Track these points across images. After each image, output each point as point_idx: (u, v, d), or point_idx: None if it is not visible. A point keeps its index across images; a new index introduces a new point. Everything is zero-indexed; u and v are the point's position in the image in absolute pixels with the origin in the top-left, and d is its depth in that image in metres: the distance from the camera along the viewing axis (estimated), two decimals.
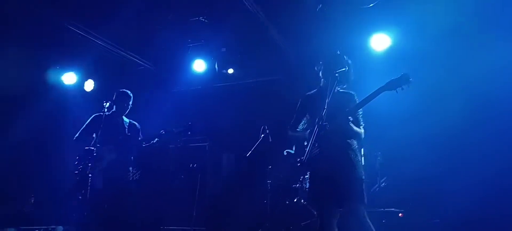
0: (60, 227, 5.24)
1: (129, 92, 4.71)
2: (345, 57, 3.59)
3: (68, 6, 5.41)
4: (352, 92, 3.55)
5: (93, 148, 4.12)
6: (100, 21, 5.80)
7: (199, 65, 6.78)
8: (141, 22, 5.97)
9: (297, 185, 5.66)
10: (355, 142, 3.46)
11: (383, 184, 5.51)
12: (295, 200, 5.47)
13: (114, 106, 4.51)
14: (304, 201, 5.41)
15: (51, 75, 6.64)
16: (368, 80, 3.77)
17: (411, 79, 3.10)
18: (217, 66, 6.84)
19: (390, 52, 5.85)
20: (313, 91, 3.77)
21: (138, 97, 7.08)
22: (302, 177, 5.60)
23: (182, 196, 6.83)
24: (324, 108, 3.14)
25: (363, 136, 3.47)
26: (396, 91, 3.14)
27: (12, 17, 5.34)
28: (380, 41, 5.78)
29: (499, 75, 5.32)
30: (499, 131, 5.37)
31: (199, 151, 7.15)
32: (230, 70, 6.96)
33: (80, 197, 3.98)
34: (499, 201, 5.16)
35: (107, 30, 6.06)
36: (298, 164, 3.50)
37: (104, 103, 4.42)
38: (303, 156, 3.24)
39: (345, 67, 3.54)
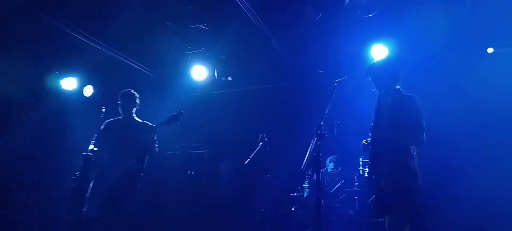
0: None
1: (132, 90, 4.62)
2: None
3: (67, 11, 5.43)
4: (411, 95, 3.38)
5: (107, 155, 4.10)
6: (100, 27, 5.81)
7: (198, 72, 6.80)
8: (141, 28, 5.99)
9: (295, 193, 5.68)
10: (408, 150, 3.27)
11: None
12: (292, 209, 5.48)
13: (120, 109, 4.46)
14: (301, 210, 5.42)
15: (50, 81, 6.63)
16: (366, 91, 3.80)
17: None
18: (216, 73, 6.86)
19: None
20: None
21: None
22: (299, 186, 5.63)
23: (179, 203, 6.82)
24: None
25: (423, 142, 3.28)
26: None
27: (11, 22, 5.34)
28: (378, 51, 5.82)
29: (495, 83, 5.38)
30: (496, 138, 5.44)
31: (197, 158, 7.16)
32: (229, 78, 6.99)
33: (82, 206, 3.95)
34: (496, 206, 5.18)
35: (107, 36, 6.07)
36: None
37: (102, 109, 4.39)
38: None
39: (344, 76, 3.58)
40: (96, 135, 4.28)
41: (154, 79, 7.43)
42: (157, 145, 4.50)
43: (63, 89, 6.68)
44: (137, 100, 4.63)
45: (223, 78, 6.97)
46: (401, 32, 5.61)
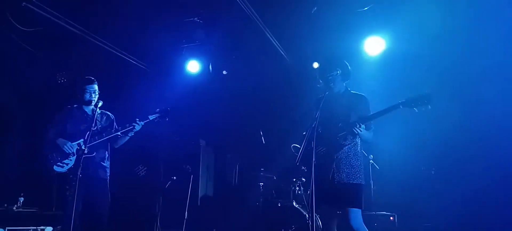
0: (49, 228, 5.17)
1: (91, 77, 4.37)
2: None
3: (62, 5, 5.38)
4: (363, 95, 3.58)
5: (83, 148, 3.98)
6: (95, 21, 5.77)
7: (193, 66, 6.75)
8: (136, 22, 5.94)
9: (290, 187, 5.68)
10: (358, 146, 3.51)
11: (372, 187, 5.50)
12: (287, 203, 5.47)
13: (80, 97, 4.28)
14: (296, 204, 5.41)
15: (45, 74, 6.57)
16: (362, 83, 3.78)
17: (431, 103, 3.05)
18: (211, 67, 6.82)
19: (384, 55, 5.86)
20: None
21: (132, 97, 7.08)
22: (294, 179, 5.62)
23: (175, 197, 6.80)
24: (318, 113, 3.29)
25: (371, 139, 3.52)
26: (415, 110, 3.12)
27: (5, 13, 5.28)
28: (374, 44, 5.79)
29: (492, 78, 5.34)
30: (492, 134, 5.40)
31: (193, 152, 7.13)
32: (224, 72, 6.95)
33: (67, 193, 3.90)
34: (490, 204, 5.18)
35: (102, 30, 6.02)
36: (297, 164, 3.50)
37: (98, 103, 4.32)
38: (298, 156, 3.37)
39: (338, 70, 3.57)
40: (53, 122, 4.25)
41: (149, 73, 7.38)
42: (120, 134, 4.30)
43: (58, 82, 6.63)
44: (95, 87, 4.35)
45: (219, 73, 6.93)
46: (396, 25, 5.57)
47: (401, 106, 3.16)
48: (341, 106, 3.49)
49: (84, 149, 3.89)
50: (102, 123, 4.42)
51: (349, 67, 3.62)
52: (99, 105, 4.21)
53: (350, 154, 3.43)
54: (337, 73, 3.54)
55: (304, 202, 5.40)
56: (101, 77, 5.05)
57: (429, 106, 3.06)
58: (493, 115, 5.36)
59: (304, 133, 3.45)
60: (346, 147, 3.43)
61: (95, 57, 6.51)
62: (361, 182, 3.43)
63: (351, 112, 3.41)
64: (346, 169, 3.39)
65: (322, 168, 3.36)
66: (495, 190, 5.18)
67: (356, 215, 3.33)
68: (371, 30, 5.78)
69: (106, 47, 6.29)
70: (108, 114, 4.54)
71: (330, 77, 3.52)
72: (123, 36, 6.24)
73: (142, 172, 5.02)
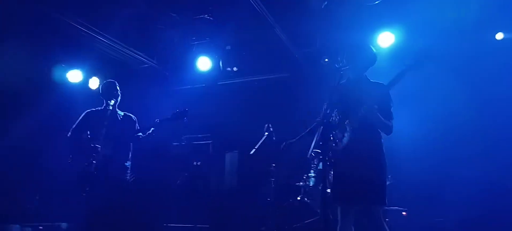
0: (64, 224, 5.26)
1: (113, 80, 4.59)
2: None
3: (72, 3, 5.43)
4: (381, 83, 3.29)
5: (92, 145, 4.06)
6: (105, 19, 5.81)
7: (203, 63, 6.78)
8: (146, 19, 5.98)
9: (301, 183, 5.67)
10: (381, 138, 3.26)
11: (388, 182, 5.48)
12: (298, 198, 5.46)
13: (105, 100, 4.41)
14: (307, 199, 5.41)
15: (56, 73, 6.65)
16: (372, 77, 3.75)
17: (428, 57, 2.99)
18: (222, 64, 6.83)
19: (394, 50, 5.82)
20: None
21: (142, 95, 7.14)
22: (305, 175, 5.61)
23: (185, 193, 6.85)
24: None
25: (391, 131, 3.24)
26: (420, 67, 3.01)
27: (15, 15, 5.35)
28: (384, 39, 5.75)
29: (504, 73, 5.28)
30: (503, 130, 5.35)
31: (202, 148, 7.17)
32: (235, 68, 6.96)
33: (83, 194, 3.97)
34: (501, 199, 5.14)
35: (112, 28, 6.07)
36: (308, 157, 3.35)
37: (109, 101, 4.39)
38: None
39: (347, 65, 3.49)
40: (76, 123, 4.39)
41: (159, 71, 7.42)
42: (141, 137, 4.43)
43: (69, 81, 6.71)
44: (118, 89, 4.57)
45: (229, 69, 6.93)
46: (408, 19, 5.53)
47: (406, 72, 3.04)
48: (361, 93, 3.22)
49: (102, 149, 3.97)
50: (125, 124, 4.49)
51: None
52: (111, 103, 4.28)
53: (373, 147, 3.20)
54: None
55: (312, 197, 5.39)
56: (111, 75, 5.14)
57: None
58: (506, 111, 5.30)
59: (317, 121, 3.24)
60: (369, 138, 3.18)
61: (105, 55, 6.58)
62: (384, 177, 3.18)
63: (372, 101, 3.14)
64: (369, 163, 3.14)
65: (340, 162, 3.19)
66: (507, 186, 5.13)
67: (378, 213, 3.12)
68: (381, 24, 5.74)
69: (115, 45, 6.34)
70: (130, 116, 4.62)
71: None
72: (131, 33, 6.27)
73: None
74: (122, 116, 4.57)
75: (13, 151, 5.88)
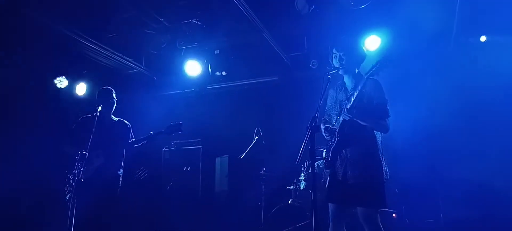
0: None
1: (110, 87, 4.57)
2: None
3: (59, 9, 5.36)
4: (375, 79, 3.20)
5: (84, 153, 4.00)
6: (92, 24, 5.76)
7: (192, 68, 6.76)
8: (134, 24, 5.94)
9: (291, 186, 5.69)
10: (377, 138, 3.20)
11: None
12: (289, 202, 5.48)
13: (100, 107, 4.32)
14: (298, 202, 5.42)
15: (42, 80, 6.57)
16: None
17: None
18: (210, 68, 6.83)
19: (382, 53, 5.87)
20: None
21: (131, 100, 7.08)
22: (295, 179, 5.63)
23: (175, 198, 6.82)
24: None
25: (388, 128, 3.15)
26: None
27: (4, 22, 5.28)
28: (371, 43, 5.80)
29: (491, 75, 5.38)
30: (492, 131, 5.43)
31: (193, 153, 7.14)
32: (223, 73, 6.96)
33: (73, 204, 3.91)
34: (492, 201, 5.21)
35: (99, 33, 6.01)
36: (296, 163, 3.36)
37: (97, 107, 4.35)
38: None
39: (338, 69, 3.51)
40: (70, 131, 4.38)
41: (147, 76, 7.38)
42: (135, 145, 4.43)
43: (56, 87, 6.64)
44: (114, 96, 4.57)
45: (217, 73, 6.93)
46: (394, 23, 5.59)
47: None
48: (347, 96, 3.18)
49: (92, 156, 3.93)
50: (118, 131, 4.46)
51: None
52: (98, 110, 4.23)
53: (367, 145, 3.14)
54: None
55: (303, 201, 5.41)
56: (99, 81, 5.11)
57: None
58: (495, 112, 5.39)
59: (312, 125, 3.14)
60: (361, 137, 3.13)
61: (92, 60, 6.51)
62: (379, 178, 3.10)
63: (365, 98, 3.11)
64: (362, 165, 3.09)
65: (331, 163, 3.19)
66: (497, 187, 5.21)
67: (372, 215, 3.07)
68: (368, 28, 5.79)
69: (102, 51, 6.27)
70: (125, 123, 4.59)
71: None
72: (119, 38, 6.23)
73: (143, 175, 5.00)
74: (116, 121, 4.54)
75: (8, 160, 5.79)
